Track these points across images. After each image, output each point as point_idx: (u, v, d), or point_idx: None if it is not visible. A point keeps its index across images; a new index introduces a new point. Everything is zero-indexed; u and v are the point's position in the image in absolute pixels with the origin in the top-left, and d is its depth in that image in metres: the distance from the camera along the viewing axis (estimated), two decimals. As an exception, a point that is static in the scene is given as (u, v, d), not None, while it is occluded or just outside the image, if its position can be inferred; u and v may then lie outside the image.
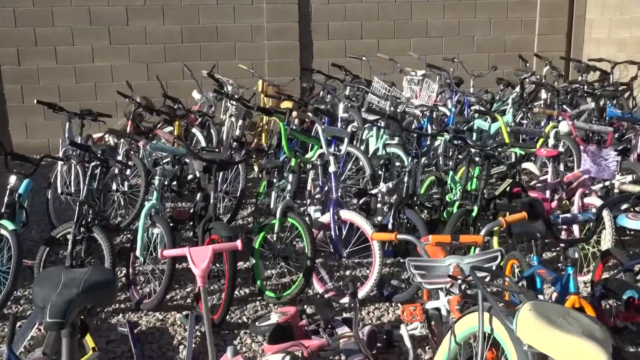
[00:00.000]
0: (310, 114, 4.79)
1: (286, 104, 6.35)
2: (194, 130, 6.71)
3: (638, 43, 8.55)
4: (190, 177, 6.15)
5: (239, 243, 2.89)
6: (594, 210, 4.35)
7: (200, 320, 3.77)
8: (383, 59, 8.59)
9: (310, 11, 8.98)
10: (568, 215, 3.01)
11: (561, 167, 5.58)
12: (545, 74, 8.40)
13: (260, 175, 7.06)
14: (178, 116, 5.99)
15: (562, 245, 2.99)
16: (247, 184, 5.67)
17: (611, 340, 2.56)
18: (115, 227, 5.28)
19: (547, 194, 4.91)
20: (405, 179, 4.39)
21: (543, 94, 7.68)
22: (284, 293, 4.10)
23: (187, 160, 5.74)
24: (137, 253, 4.18)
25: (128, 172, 5.58)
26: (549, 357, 1.88)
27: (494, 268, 2.71)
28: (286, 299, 4.06)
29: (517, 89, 7.57)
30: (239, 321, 3.93)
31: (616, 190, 4.67)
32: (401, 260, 4.72)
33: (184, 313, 3.92)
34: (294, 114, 4.47)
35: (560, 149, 5.57)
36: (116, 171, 5.44)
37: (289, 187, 4.33)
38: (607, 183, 4.93)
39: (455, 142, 4.54)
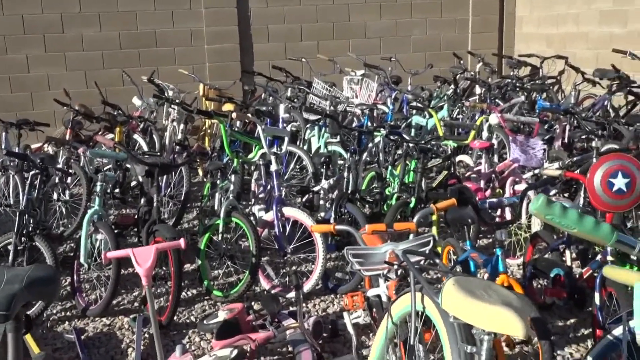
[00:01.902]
0: (250, 115, 4.87)
1: (227, 107, 6.41)
2: (136, 136, 6.69)
3: (564, 39, 8.97)
4: (133, 183, 6.15)
5: (182, 241, 2.95)
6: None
7: (148, 322, 3.78)
8: (323, 60, 8.75)
9: (249, 15, 9.05)
10: (494, 200, 3.21)
11: (495, 158, 5.85)
12: (478, 70, 8.72)
13: (204, 179, 7.09)
14: (119, 122, 5.97)
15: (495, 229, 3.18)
16: (191, 188, 5.70)
17: (532, 310, 2.75)
18: (57, 236, 5.23)
19: (482, 183, 5.14)
20: (345, 174, 4.53)
21: (477, 90, 7.99)
22: (231, 291, 4.17)
23: (128, 166, 5.74)
24: (81, 260, 4.17)
25: (69, 180, 5.53)
26: (473, 327, 2.03)
27: (427, 252, 2.86)
28: (233, 297, 4.13)
29: (452, 85, 7.86)
30: (187, 321, 3.98)
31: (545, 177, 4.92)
32: (340, 255, 4.87)
33: (132, 316, 3.94)
34: (234, 115, 4.54)
35: (494, 140, 5.83)
36: (56, 180, 5.38)
37: (231, 187, 4.40)
38: (536, 171, 5.20)
39: (392, 137, 4.71)
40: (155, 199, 4.13)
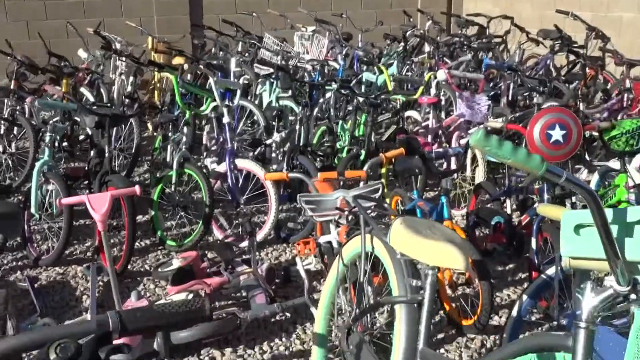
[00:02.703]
0: (202, 67, 4.86)
1: (178, 60, 6.35)
2: (83, 89, 6.55)
3: (510, -1, 9.18)
4: (81, 137, 6.06)
5: (137, 188, 2.99)
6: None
7: (102, 271, 3.84)
8: (274, 15, 8.68)
9: (198, -33, 8.88)
10: (440, 150, 3.36)
11: (442, 114, 6.01)
12: (428, 29, 8.84)
13: (154, 133, 7.03)
14: (65, 74, 5.84)
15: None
16: (141, 141, 5.67)
17: (473, 252, 2.93)
18: (4, 188, 5.14)
19: (429, 138, 5.30)
20: (297, 127, 4.60)
21: (426, 47, 8.12)
22: (185, 241, 4.24)
23: (76, 119, 5.64)
24: (32, 210, 4.14)
25: (15, 132, 5.42)
26: (418, 263, 2.17)
27: (377, 198, 2.99)
28: (187, 246, 4.20)
29: (402, 43, 7.95)
30: (141, 270, 4.04)
31: (489, 130, 5.11)
32: (297, 206, 4.99)
33: (85, 265, 3.97)
34: (186, 67, 4.53)
35: (441, 97, 5.99)
36: (1, 131, 5.26)
37: (184, 139, 4.42)
38: (480, 126, 5.39)
39: (343, 91, 4.79)
40: (107, 150, 4.11)
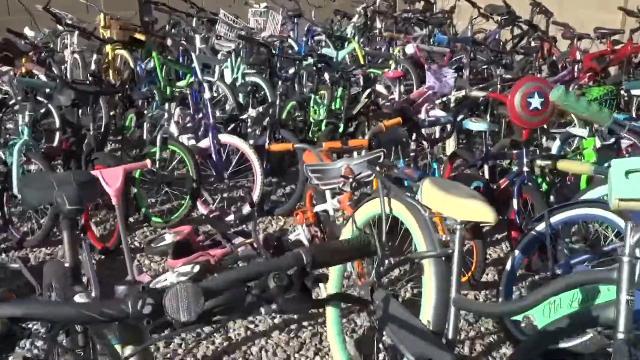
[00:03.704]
0: (184, 43, 4.83)
1: (139, 37, 6.25)
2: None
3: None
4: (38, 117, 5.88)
5: (148, 162, 3.02)
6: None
7: (93, 248, 3.84)
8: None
9: (144, -59, 8.65)
10: (433, 117, 3.53)
11: (402, 89, 6.22)
12: (378, 5, 9.02)
13: (111, 112, 6.89)
14: (24, 53, 5.64)
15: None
16: (110, 120, 5.58)
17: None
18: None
19: (396, 110, 5.49)
20: (277, 101, 4.68)
21: (377, 23, 8.32)
22: (172, 216, 4.26)
23: (39, 98, 5.48)
24: (15, 192, 4.05)
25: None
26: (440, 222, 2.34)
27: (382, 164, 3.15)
28: (174, 222, 4.22)
29: (355, 18, 8.11)
30: (132, 247, 4.04)
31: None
32: (272, 180, 5.09)
33: (75, 244, 3.94)
34: (169, 42, 4.50)
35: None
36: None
37: (166, 115, 4.41)
38: (444, 98, 5.63)
39: (320, 65, 4.90)
40: (92, 127, 4.06)
